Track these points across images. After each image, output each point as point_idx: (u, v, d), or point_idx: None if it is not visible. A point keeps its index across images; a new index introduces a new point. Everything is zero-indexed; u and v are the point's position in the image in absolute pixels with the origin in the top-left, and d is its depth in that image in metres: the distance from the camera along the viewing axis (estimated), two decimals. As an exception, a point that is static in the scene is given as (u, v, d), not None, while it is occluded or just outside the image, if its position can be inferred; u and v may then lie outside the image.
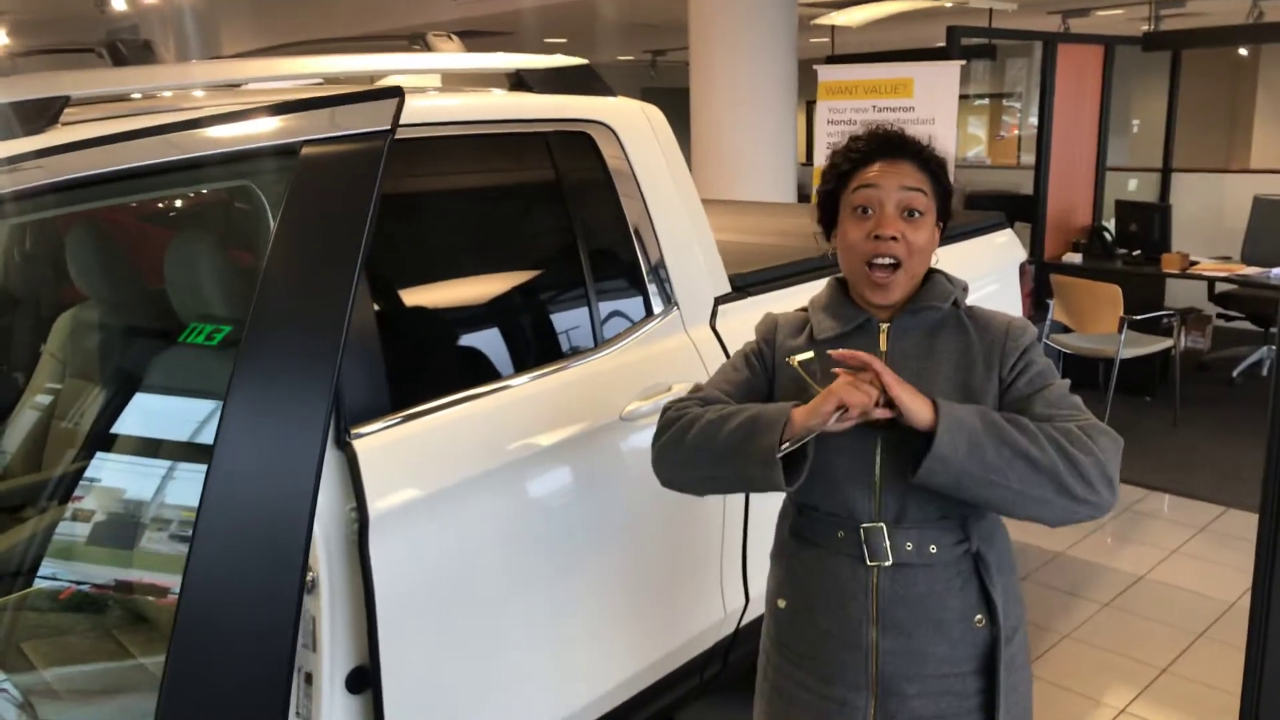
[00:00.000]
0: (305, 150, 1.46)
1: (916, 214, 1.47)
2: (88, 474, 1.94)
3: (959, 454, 1.34)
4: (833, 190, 1.54)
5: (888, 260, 1.46)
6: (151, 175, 1.49)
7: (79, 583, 1.87)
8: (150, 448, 1.91)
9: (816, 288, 1.64)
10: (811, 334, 1.56)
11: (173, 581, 1.77)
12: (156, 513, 1.84)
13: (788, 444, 1.40)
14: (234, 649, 1.28)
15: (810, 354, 1.51)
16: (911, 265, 1.48)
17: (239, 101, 1.76)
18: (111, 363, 2.24)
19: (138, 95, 1.84)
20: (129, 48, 1.95)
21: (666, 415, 1.55)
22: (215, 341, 1.82)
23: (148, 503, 1.88)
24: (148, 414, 1.96)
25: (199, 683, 1.27)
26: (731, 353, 2.28)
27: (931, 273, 1.56)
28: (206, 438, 1.86)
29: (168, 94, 1.87)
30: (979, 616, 1.49)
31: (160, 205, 2.21)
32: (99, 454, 1.98)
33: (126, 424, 1.99)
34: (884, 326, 1.52)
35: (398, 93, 1.54)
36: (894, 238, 1.45)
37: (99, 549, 1.85)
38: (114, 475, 1.94)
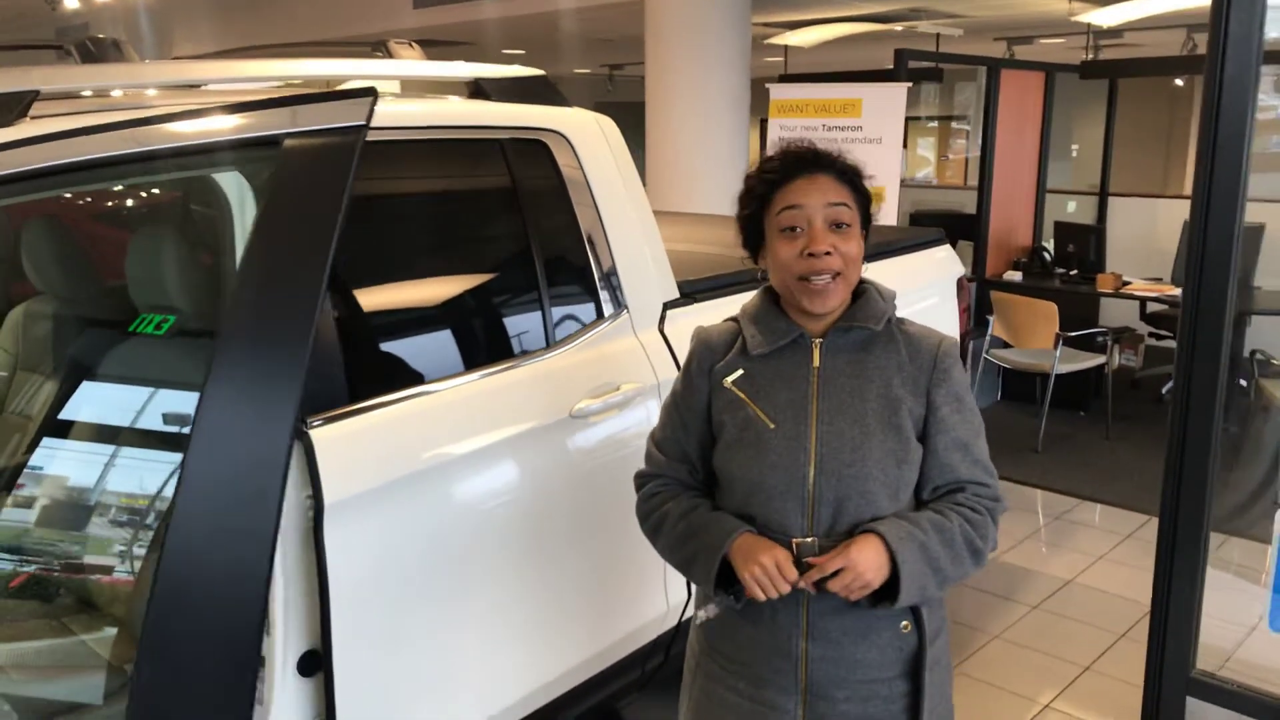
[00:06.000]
0: (287, 143, 1.53)
1: (844, 226, 1.51)
2: (33, 462, 1.96)
3: (914, 594, 1.49)
4: (754, 213, 1.56)
5: (825, 277, 1.50)
6: (140, 161, 1.55)
7: (22, 567, 1.88)
8: (97, 435, 1.94)
9: None
10: (744, 346, 1.58)
11: (117, 564, 1.81)
12: (103, 499, 1.87)
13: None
14: (204, 629, 1.33)
15: (741, 372, 1.57)
16: (849, 274, 1.52)
17: (204, 101, 1.81)
18: (62, 356, 2.25)
19: (114, 93, 1.88)
20: (97, 45, 1.98)
21: (638, 501, 1.68)
22: (163, 331, 1.86)
23: (93, 489, 1.91)
24: (95, 402, 1.99)
25: (170, 662, 1.31)
26: (679, 356, 2.37)
27: (863, 286, 1.58)
28: (155, 425, 1.90)
29: (150, 92, 1.92)
30: (905, 623, 1.56)
31: (154, 194, 2.23)
32: (45, 441, 2.00)
33: (74, 412, 2.01)
34: (817, 342, 1.55)
35: (371, 92, 1.63)
36: (828, 252, 1.48)
37: (46, 534, 1.87)
38: (60, 463, 1.96)
